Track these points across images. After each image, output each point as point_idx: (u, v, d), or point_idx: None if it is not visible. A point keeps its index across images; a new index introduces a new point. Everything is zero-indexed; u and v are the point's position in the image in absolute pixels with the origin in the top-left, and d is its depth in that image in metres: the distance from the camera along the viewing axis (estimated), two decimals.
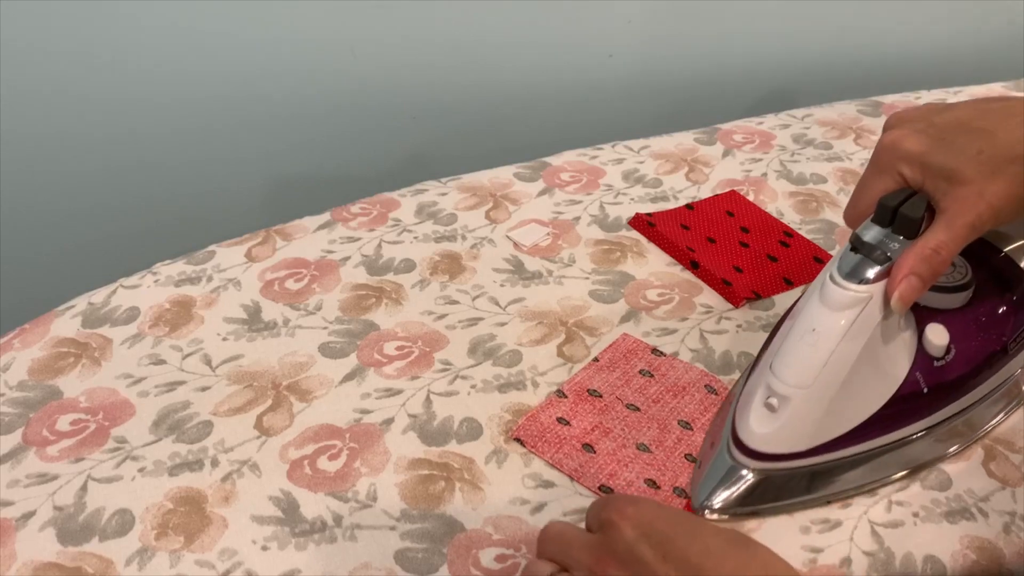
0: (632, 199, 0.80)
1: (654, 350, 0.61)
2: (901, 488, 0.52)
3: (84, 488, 0.51)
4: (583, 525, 0.42)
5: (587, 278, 0.69)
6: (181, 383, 0.59)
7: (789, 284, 0.69)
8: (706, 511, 0.49)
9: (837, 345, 0.45)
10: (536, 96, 1.15)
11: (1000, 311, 0.53)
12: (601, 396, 0.57)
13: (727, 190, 0.82)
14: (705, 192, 0.82)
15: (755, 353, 0.61)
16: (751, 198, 0.80)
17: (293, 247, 0.72)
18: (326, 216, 0.76)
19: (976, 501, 0.51)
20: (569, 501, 0.51)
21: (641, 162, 0.87)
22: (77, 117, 0.96)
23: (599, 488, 0.51)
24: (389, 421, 0.56)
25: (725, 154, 0.89)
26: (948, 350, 0.50)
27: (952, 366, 0.51)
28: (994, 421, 0.55)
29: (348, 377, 0.59)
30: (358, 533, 0.49)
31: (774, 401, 0.46)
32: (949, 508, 0.51)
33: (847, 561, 0.47)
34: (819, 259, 0.72)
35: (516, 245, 0.73)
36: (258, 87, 1.01)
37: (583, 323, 0.64)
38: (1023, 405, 0.56)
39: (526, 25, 1.08)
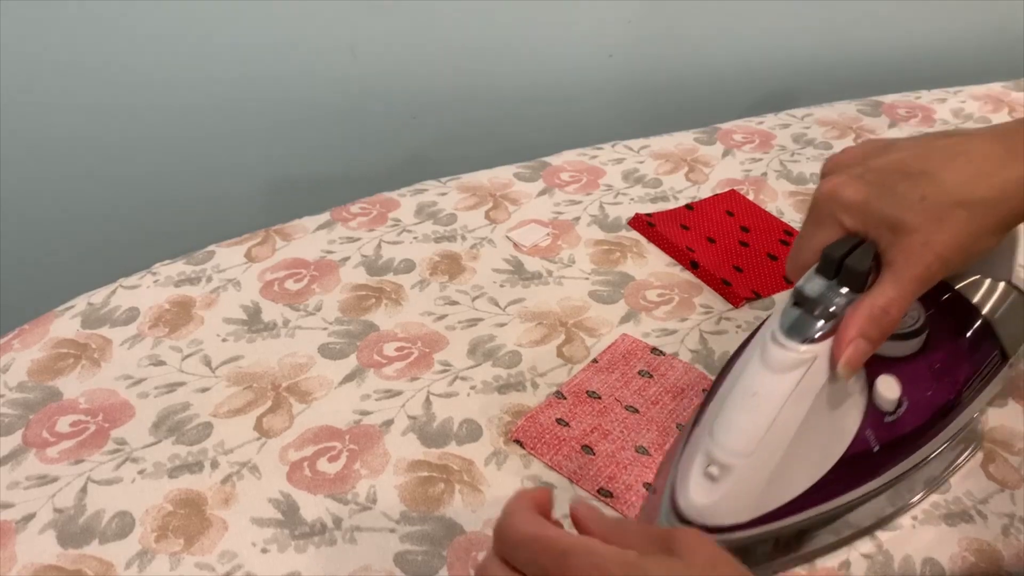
0: (632, 199, 0.80)
1: (653, 349, 0.61)
2: None
3: (84, 490, 0.51)
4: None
5: (587, 278, 0.69)
6: (181, 384, 0.59)
7: (789, 283, 0.69)
8: None
9: (780, 409, 0.41)
10: (536, 96, 1.15)
11: (954, 355, 0.51)
12: (600, 398, 0.57)
13: (727, 190, 0.82)
14: (705, 192, 0.82)
15: None
16: (751, 198, 0.80)
17: (293, 247, 0.72)
18: (326, 216, 0.76)
19: (975, 503, 0.51)
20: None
21: (641, 162, 0.87)
22: (77, 118, 0.96)
23: (598, 491, 0.51)
24: (389, 423, 0.56)
25: (725, 154, 0.89)
26: (900, 403, 0.47)
27: (904, 420, 0.47)
28: (952, 466, 0.52)
29: (348, 378, 0.59)
30: (358, 535, 0.49)
31: (714, 470, 0.42)
32: (948, 511, 0.51)
33: (846, 564, 0.48)
34: None
35: (516, 245, 0.73)
36: (258, 87, 1.01)
37: (583, 324, 0.64)
38: (981, 449, 0.54)
39: (526, 25, 1.08)
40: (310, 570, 0.47)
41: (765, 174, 0.85)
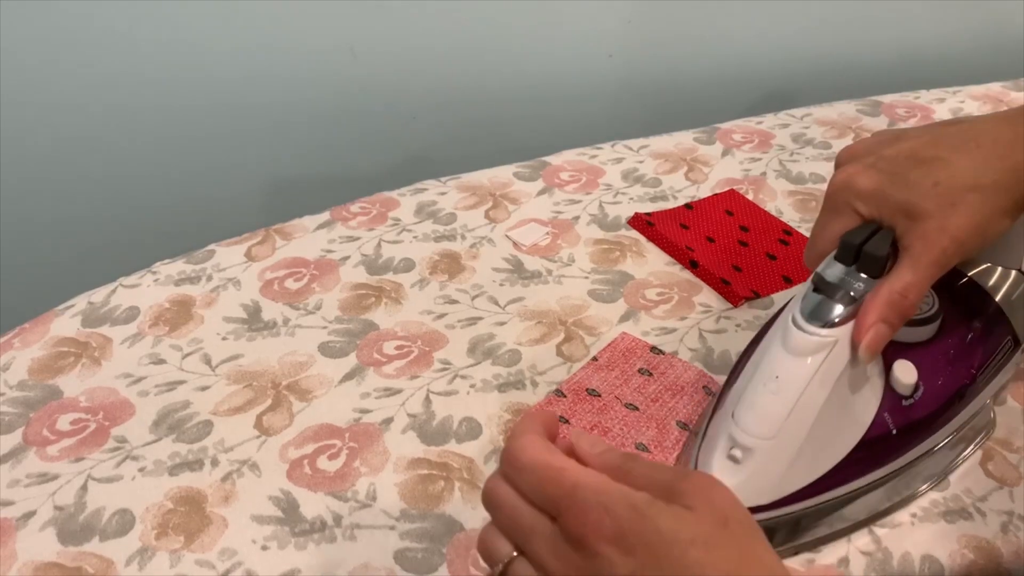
0: (631, 198, 0.80)
1: (653, 348, 0.62)
2: None
3: (84, 488, 0.51)
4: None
5: (586, 277, 0.69)
6: (181, 383, 0.59)
7: (788, 282, 0.69)
8: None
9: (802, 393, 0.42)
10: (536, 96, 1.15)
11: (968, 340, 0.51)
12: (600, 395, 0.57)
13: (726, 189, 0.82)
14: (704, 191, 0.82)
15: None
16: (750, 197, 0.81)
17: (293, 246, 0.72)
18: (325, 215, 0.76)
19: (974, 501, 0.51)
20: None
21: (640, 161, 0.87)
22: (77, 117, 0.96)
23: None
24: (388, 421, 0.56)
25: (724, 153, 0.89)
26: (916, 388, 0.48)
27: (921, 404, 0.48)
28: (967, 452, 0.53)
29: (348, 377, 0.59)
30: (358, 533, 0.49)
31: (737, 453, 0.44)
32: (947, 508, 0.51)
33: (845, 561, 0.48)
34: None
35: (515, 245, 0.73)
36: (258, 87, 1.01)
37: (582, 322, 0.65)
38: (992, 437, 0.55)
39: (526, 25, 1.09)
40: (310, 567, 0.47)
41: (764, 174, 0.85)
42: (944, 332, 0.52)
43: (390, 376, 0.59)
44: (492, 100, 1.13)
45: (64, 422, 0.55)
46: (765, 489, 0.44)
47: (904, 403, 0.48)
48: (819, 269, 0.45)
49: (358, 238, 0.74)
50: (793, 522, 0.46)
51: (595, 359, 0.61)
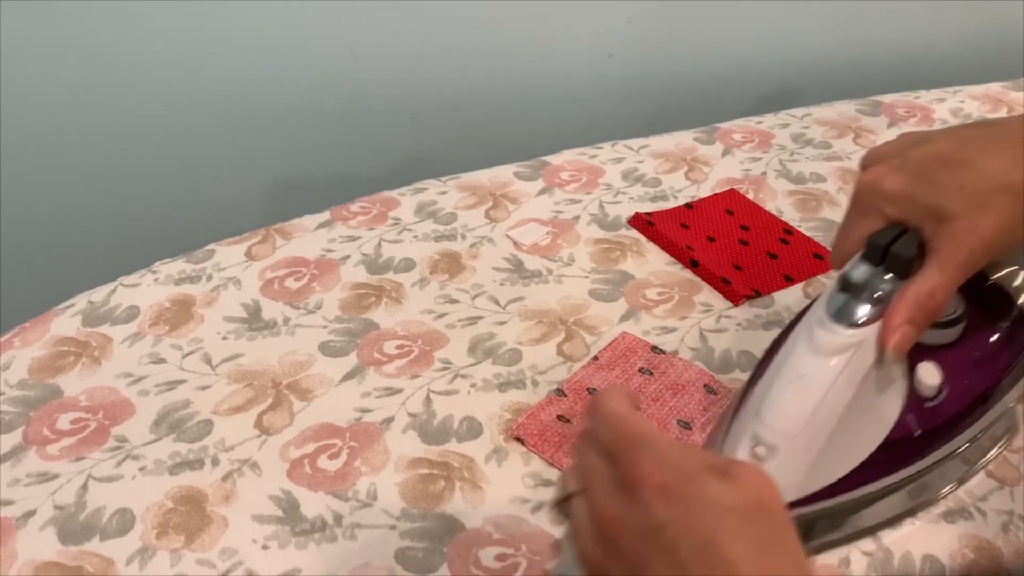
0: (631, 198, 0.80)
1: (653, 348, 0.62)
2: None
3: (85, 487, 0.51)
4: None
5: (587, 277, 0.69)
6: (181, 382, 0.59)
7: (789, 281, 0.69)
8: None
9: (827, 392, 0.43)
10: (536, 96, 1.15)
11: (993, 343, 0.51)
12: None
13: (727, 189, 0.82)
14: (704, 191, 0.82)
15: (755, 352, 0.61)
16: (751, 197, 0.81)
17: (293, 246, 0.72)
18: (326, 215, 0.76)
19: (974, 501, 0.51)
20: None
21: (640, 161, 0.87)
22: (77, 117, 0.96)
23: None
24: (389, 420, 0.56)
25: (724, 153, 0.89)
26: (940, 390, 0.48)
27: (945, 406, 0.48)
28: (990, 455, 0.53)
29: (348, 376, 0.59)
30: (358, 532, 0.49)
31: (761, 450, 0.44)
32: (947, 507, 0.51)
33: (846, 561, 0.48)
34: (819, 255, 0.72)
35: (516, 244, 0.73)
36: (258, 88, 1.01)
37: (583, 322, 0.65)
38: (1017, 436, 0.54)
39: (526, 25, 1.08)
40: (310, 567, 0.47)
41: (764, 173, 0.85)
42: (969, 335, 0.51)
43: (391, 375, 0.59)
44: (492, 100, 1.13)
45: (64, 421, 0.55)
46: (788, 488, 0.45)
47: (928, 405, 0.48)
48: (845, 270, 0.45)
49: (358, 238, 0.74)
50: (815, 520, 0.46)
51: (596, 358, 0.61)
